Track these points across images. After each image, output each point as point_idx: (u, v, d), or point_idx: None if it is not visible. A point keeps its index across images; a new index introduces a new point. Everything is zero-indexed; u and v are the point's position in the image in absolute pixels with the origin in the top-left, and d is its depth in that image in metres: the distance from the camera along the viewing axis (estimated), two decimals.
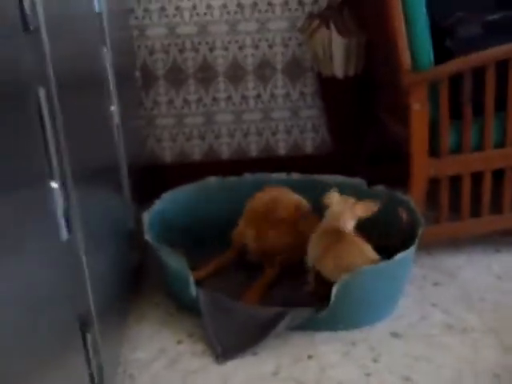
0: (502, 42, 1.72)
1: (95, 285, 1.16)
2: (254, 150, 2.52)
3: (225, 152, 2.51)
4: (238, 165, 2.41)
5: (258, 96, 2.44)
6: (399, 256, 1.54)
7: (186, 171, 2.42)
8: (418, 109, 1.75)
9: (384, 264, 1.52)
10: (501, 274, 1.86)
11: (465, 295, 1.75)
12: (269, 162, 2.46)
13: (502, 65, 1.73)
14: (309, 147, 2.53)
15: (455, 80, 1.74)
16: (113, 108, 1.56)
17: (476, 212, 1.90)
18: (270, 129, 2.49)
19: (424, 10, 1.72)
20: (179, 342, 1.58)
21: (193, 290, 1.60)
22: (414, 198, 1.82)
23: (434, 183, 1.86)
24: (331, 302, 1.51)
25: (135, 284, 1.77)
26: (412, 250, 1.60)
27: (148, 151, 2.48)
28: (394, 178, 1.89)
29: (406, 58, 1.74)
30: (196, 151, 2.50)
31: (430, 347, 1.53)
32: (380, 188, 1.92)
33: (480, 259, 1.94)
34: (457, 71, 1.71)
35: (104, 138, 1.49)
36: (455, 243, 1.99)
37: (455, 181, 1.86)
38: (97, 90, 1.46)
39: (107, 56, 1.52)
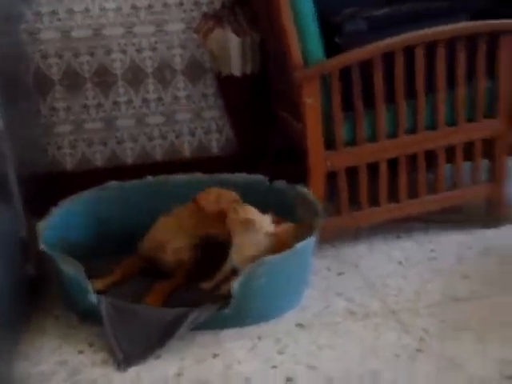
0: (387, 36, 1.79)
1: None
2: (158, 154, 2.48)
3: (129, 157, 2.46)
4: (143, 169, 2.35)
5: (160, 99, 2.41)
6: (298, 246, 1.55)
7: (88, 178, 2.33)
8: (311, 103, 1.78)
9: (283, 254, 1.53)
10: (401, 259, 1.92)
11: (368, 283, 1.80)
12: (174, 165, 2.42)
13: (389, 58, 1.79)
14: (214, 148, 2.52)
15: (346, 74, 1.78)
16: None
17: (375, 201, 1.95)
18: (173, 131, 2.46)
19: (312, 6, 1.76)
20: (80, 353, 1.52)
21: (92, 297, 1.55)
22: (314, 191, 1.85)
23: (333, 176, 1.90)
24: (233, 297, 1.50)
25: (32, 297, 1.70)
26: (311, 240, 1.62)
27: (49, 159, 2.39)
28: (298, 175, 1.92)
29: (296, 54, 1.77)
30: (98, 157, 2.44)
31: (334, 335, 1.55)
32: (281, 183, 1.94)
33: (381, 247, 1.99)
34: (345, 65, 1.76)
35: None
36: (357, 233, 2.04)
37: (355, 172, 1.91)
38: None
39: None
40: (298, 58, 1.76)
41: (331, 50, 1.81)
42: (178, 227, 1.80)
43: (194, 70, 2.40)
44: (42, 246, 1.62)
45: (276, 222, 1.67)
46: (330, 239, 1.97)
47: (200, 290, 1.69)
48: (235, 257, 1.64)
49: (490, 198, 2.06)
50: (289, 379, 1.39)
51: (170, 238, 1.78)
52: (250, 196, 1.92)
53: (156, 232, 1.84)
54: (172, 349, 1.50)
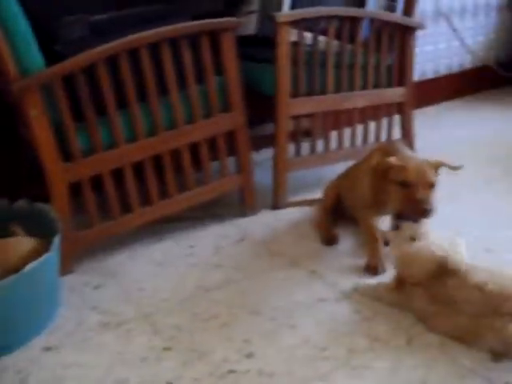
0: (111, 41, 1.77)
1: None
2: None
3: None
4: None
5: None
6: (27, 268, 1.47)
7: None
8: (36, 114, 1.70)
9: (10, 279, 1.43)
10: (162, 260, 1.93)
11: (126, 290, 1.77)
12: None
13: (116, 62, 1.77)
14: None
15: (73, 82, 1.73)
16: None
17: (127, 208, 1.93)
18: None
19: (21, 16, 1.68)
20: None
21: None
22: (56, 206, 1.78)
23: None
24: None
25: None
26: (47, 256, 1.54)
27: None
28: None
29: (11, 65, 1.67)
30: None
31: (84, 351, 1.50)
32: (21, 203, 1.83)
33: (142, 252, 1.98)
34: (66, 72, 1.70)
35: None
36: (119, 241, 2.00)
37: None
38: None
39: None
40: (13, 69, 1.67)
41: (55, 59, 1.75)
42: None
43: None
44: None
45: None
46: (86, 253, 1.91)
47: None
48: None
49: (240, 189, 2.16)
50: None
51: None
52: None
53: None
54: None
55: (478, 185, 2.30)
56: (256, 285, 1.74)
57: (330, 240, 1.95)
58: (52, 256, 1.57)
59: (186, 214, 2.13)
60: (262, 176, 2.24)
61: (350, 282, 1.72)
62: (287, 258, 1.88)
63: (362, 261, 1.80)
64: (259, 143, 2.61)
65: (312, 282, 1.73)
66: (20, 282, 1.46)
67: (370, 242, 1.81)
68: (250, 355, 1.43)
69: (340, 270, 1.79)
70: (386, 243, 1.79)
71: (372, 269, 1.76)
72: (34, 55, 1.71)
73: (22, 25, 1.68)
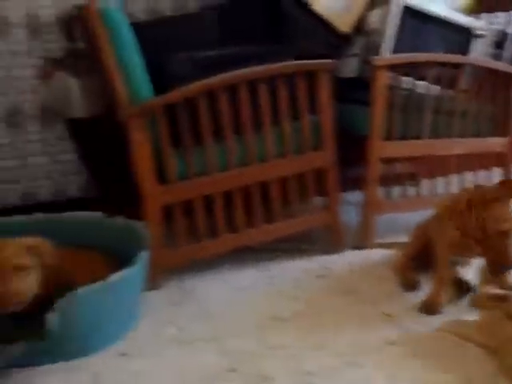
0: (210, 76, 1.90)
1: None
2: (14, 198, 2.47)
3: None
4: None
5: (13, 143, 2.42)
6: (118, 275, 1.59)
7: None
8: (139, 140, 1.86)
9: (96, 286, 1.56)
10: (241, 286, 2.00)
11: (201, 311, 1.85)
12: (31, 209, 2.42)
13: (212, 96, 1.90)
14: (73, 191, 2.55)
15: (175, 112, 1.88)
16: None
17: (213, 233, 2.03)
18: (29, 175, 2.47)
19: (134, 50, 1.86)
20: None
21: None
22: (150, 225, 1.91)
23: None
24: (47, 331, 1.51)
25: None
26: (134, 269, 1.66)
27: None
28: None
29: (122, 93, 1.85)
30: None
31: (155, 362, 1.58)
32: (119, 219, 1.98)
33: (224, 276, 2.07)
34: (168, 102, 1.85)
35: None
36: (204, 264, 2.10)
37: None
38: None
39: None
40: (124, 97, 1.85)
41: (162, 91, 1.91)
42: None
43: (46, 115, 2.44)
44: None
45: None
46: (172, 272, 2.02)
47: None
48: None
49: (326, 226, 2.19)
50: None
51: None
52: (88, 232, 1.97)
53: None
54: None
55: None
56: (327, 321, 1.75)
57: (409, 285, 1.91)
58: (138, 269, 1.69)
59: (271, 245, 2.20)
60: (349, 216, 2.26)
61: (421, 326, 1.68)
62: (363, 298, 1.87)
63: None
64: (348, 185, 2.62)
65: (384, 324, 1.71)
66: (106, 289, 1.58)
67: (438, 278, 1.77)
68: None
69: (415, 315, 1.75)
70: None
71: (428, 306, 1.72)
72: (143, 86, 1.88)
73: (135, 57, 1.86)
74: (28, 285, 1.58)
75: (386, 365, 1.51)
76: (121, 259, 1.80)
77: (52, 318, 1.51)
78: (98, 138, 2.31)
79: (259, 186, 2.05)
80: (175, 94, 1.86)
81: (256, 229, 2.08)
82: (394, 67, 2.09)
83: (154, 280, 1.93)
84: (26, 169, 2.46)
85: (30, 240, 1.67)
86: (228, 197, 2.03)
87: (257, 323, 1.76)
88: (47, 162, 2.48)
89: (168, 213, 1.96)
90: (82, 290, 1.54)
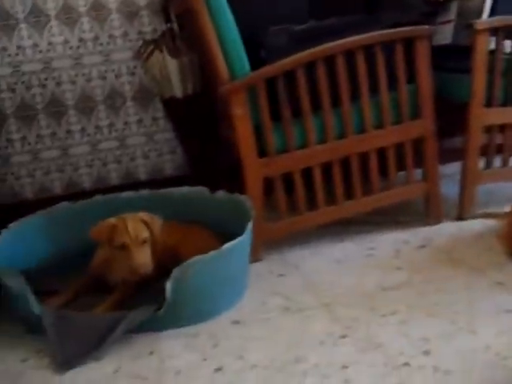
0: (307, 49, 1.91)
1: None
2: (114, 178, 2.58)
3: (86, 183, 2.56)
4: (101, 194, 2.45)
5: (112, 125, 2.52)
6: (229, 244, 1.64)
7: (49, 206, 2.43)
8: (240, 114, 1.89)
9: (211, 254, 1.61)
10: (342, 259, 2.01)
11: (306, 280, 1.88)
12: (131, 188, 2.51)
13: (314, 68, 1.91)
14: (168, 170, 2.63)
15: (274, 86, 1.90)
16: None
17: (313, 205, 2.05)
18: (127, 155, 2.57)
19: (233, 26, 1.89)
20: (24, 361, 1.58)
21: (35, 307, 1.62)
22: (251, 198, 1.94)
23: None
24: (166, 298, 1.58)
25: None
26: (243, 239, 1.70)
27: (8, 189, 2.48)
28: None
29: (222, 69, 1.89)
30: (56, 185, 2.53)
31: (266, 328, 1.62)
32: (221, 192, 2.03)
33: (323, 249, 2.08)
34: (269, 76, 1.87)
35: None
36: (302, 238, 2.13)
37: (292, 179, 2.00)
38: None
39: None
40: (224, 73, 1.88)
41: (259, 65, 1.93)
42: None
43: (142, 96, 2.52)
44: None
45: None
46: (271, 244, 2.05)
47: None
48: None
49: (424, 197, 2.16)
50: (217, 369, 1.46)
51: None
52: (194, 207, 2.03)
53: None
54: (110, 351, 1.57)
55: None
56: (436, 289, 1.73)
57: None
58: (246, 238, 1.73)
59: (368, 218, 2.19)
60: (447, 188, 2.22)
61: None
62: (469, 268, 1.84)
63: None
64: (446, 156, 2.57)
65: (496, 293, 1.68)
66: (219, 258, 1.63)
67: None
68: (426, 352, 1.44)
69: None
70: None
71: None
72: (242, 60, 1.90)
73: (233, 33, 1.89)
74: (149, 257, 1.67)
75: (505, 331, 1.49)
76: (225, 232, 1.85)
77: (170, 286, 1.58)
78: (194, 117, 2.36)
79: (357, 158, 2.04)
80: (275, 67, 1.88)
81: (355, 201, 2.08)
82: (494, 31, 2.02)
83: (256, 252, 1.97)
84: (125, 149, 2.56)
85: (143, 215, 1.75)
86: (326, 169, 2.03)
87: (364, 292, 1.76)
88: (144, 142, 2.57)
89: (268, 186, 1.99)
90: (197, 259, 1.60)
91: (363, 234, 2.16)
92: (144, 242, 1.70)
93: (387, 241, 2.09)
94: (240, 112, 1.89)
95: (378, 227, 2.19)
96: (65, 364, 1.52)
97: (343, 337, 1.55)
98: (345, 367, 1.42)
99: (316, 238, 2.14)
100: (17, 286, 1.62)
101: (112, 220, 1.73)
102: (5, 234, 1.90)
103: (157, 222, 1.79)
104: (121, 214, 1.79)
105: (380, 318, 1.62)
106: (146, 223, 1.74)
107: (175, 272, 1.59)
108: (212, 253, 1.62)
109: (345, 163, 2.04)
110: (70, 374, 1.50)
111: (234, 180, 2.46)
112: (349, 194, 2.07)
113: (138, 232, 1.69)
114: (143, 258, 1.66)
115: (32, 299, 1.62)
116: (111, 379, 1.47)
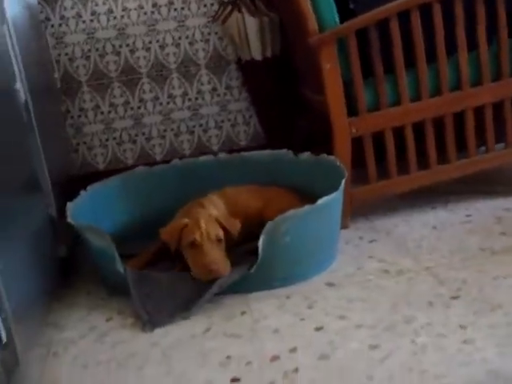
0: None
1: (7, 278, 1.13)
2: (187, 149, 2.50)
3: (158, 153, 2.50)
4: None
5: (185, 94, 2.45)
6: (323, 200, 1.52)
7: None
8: (330, 68, 1.78)
9: (304, 209, 1.50)
10: (436, 225, 1.87)
11: (401, 245, 1.75)
12: None
13: (406, 21, 1.78)
14: (242, 140, 2.54)
15: (364, 41, 1.78)
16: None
17: (404, 169, 1.91)
18: (200, 126, 2.49)
19: None
20: (108, 320, 1.51)
21: (119, 266, 1.55)
22: (340, 158, 1.83)
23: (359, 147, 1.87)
24: (260, 254, 1.48)
25: (64, 276, 1.71)
26: (336, 196, 1.59)
27: (80, 160, 2.44)
28: None
29: (311, 21, 1.78)
30: (129, 155, 2.48)
31: (366, 290, 1.51)
32: (306, 154, 1.92)
33: (415, 216, 1.95)
34: (360, 26, 1.75)
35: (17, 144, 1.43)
36: (392, 206, 2.00)
37: (381, 146, 1.87)
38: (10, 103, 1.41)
39: (18, 72, 1.47)
40: (313, 25, 1.77)
41: (347, 17, 1.82)
42: None
43: (217, 63, 2.44)
44: (70, 220, 1.63)
45: None
46: (357, 211, 1.93)
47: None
48: None
49: None
50: (318, 328, 1.35)
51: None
52: (277, 170, 1.93)
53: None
54: (200, 311, 1.48)
55: None
56: None
57: None
58: (339, 196, 1.61)
59: (457, 187, 2.05)
60: None
61: None
62: None
63: None
64: None
65: None
66: (313, 214, 1.52)
67: None
68: None
69: None
70: None
71: None
72: (331, 13, 1.79)
73: None
74: (223, 256, 1.56)
75: None
76: (311, 195, 1.73)
77: (262, 242, 1.48)
78: (273, 82, 2.26)
79: (453, 118, 1.89)
80: (367, 17, 1.76)
81: (448, 164, 1.93)
82: None
83: (345, 217, 1.85)
84: (198, 119, 2.48)
85: (218, 215, 1.64)
86: (419, 131, 1.89)
87: (467, 256, 1.62)
88: (217, 112, 2.48)
89: (357, 148, 1.87)
90: (289, 214, 1.49)
91: (456, 202, 2.01)
92: (218, 240, 1.58)
93: (486, 208, 1.94)
94: (330, 66, 1.77)
95: (471, 196, 2.04)
96: (151, 322, 1.43)
97: (454, 298, 1.41)
98: (463, 327, 1.28)
99: (406, 206, 2.01)
100: (103, 244, 1.55)
101: (183, 220, 1.62)
102: (84, 196, 1.84)
103: (234, 222, 1.66)
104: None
105: (492, 280, 1.48)
106: (220, 223, 1.62)
107: (268, 226, 1.48)
108: (306, 207, 1.51)
109: (439, 123, 1.90)
110: (159, 332, 1.42)
111: (312, 148, 2.36)
112: (442, 158, 1.92)
113: (211, 229, 1.56)
114: (215, 255, 1.53)
115: (118, 258, 1.55)
116: (202, 338, 1.38)
